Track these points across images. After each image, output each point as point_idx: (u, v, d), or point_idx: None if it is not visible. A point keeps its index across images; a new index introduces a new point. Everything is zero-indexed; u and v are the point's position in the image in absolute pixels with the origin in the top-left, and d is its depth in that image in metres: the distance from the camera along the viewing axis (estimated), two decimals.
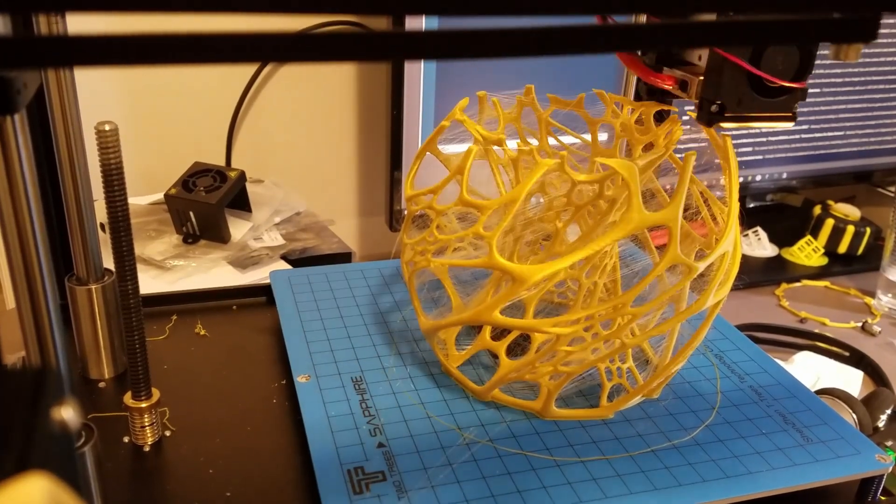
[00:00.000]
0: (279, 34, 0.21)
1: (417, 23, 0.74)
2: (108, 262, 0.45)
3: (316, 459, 0.41)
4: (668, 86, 0.44)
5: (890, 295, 0.86)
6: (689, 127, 0.49)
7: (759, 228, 0.98)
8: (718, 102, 0.40)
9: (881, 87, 0.99)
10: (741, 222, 0.46)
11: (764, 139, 0.96)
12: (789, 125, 0.42)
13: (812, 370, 0.71)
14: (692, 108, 0.49)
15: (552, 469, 0.42)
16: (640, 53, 0.46)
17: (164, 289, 0.66)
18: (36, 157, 0.41)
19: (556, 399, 0.45)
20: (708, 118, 0.41)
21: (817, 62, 0.95)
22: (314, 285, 0.60)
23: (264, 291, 0.62)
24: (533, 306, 0.45)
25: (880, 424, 0.61)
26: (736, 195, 0.45)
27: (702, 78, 0.42)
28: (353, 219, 0.98)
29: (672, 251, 0.41)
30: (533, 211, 0.47)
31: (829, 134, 1.00)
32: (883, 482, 0.44)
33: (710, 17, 0.27)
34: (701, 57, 0.42)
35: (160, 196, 0.78)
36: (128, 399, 0.44)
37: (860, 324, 0.83)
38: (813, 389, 0.53)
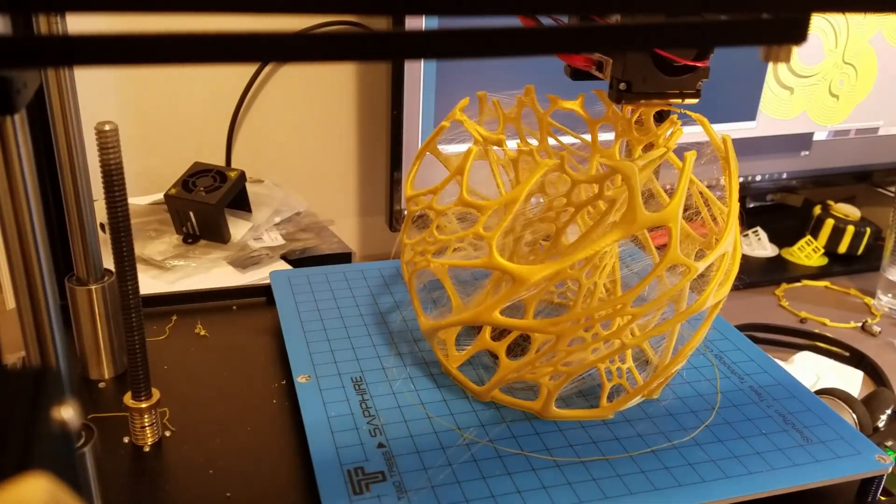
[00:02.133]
0: (279, 34, 0.21)
1: (417, 23, 0.74)
2: (108, 263, 0.45)
3: (316, 460, 0.41)
4: (586, 67, 0.45)
5: (890, 295, 0.86)
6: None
7: (759, 228, 0.98)
8: (626, 81, 0.42)
9: None
10: (741, 222, 0.46)
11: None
12: (694, 101, 0.44)
13: (812, 370, 0.71)
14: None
15: (552, 469, 0.42)
16: None
17: (163, 289, 0.66)
18: (36, 158, 0.41)
19: (555, 399, 0.45)
20: (616, 95, 0.43)
21: None
22: (314, 286, 0.60)
23: (264, 292, 0.62)
24: (533, 307, 0.45)
25: (880, 424, 0.61)
26: (736, 195, 0.45)
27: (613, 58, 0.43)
28: (353, 219, 0.98)
29: (672, 251, 0.41)
30: (533, 211, 0.47)
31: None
32: (883, 482, 0.44)
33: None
34: None
35: (160, 196, 0.78)
36: (128, 399, 0.44)
37: (860, 324, 0.83)
38: (813, 389, 0.53)
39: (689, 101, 0.44)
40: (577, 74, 0.46)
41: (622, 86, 0.42)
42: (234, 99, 0.87)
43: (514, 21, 0.22)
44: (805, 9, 0.24)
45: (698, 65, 0.42)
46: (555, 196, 0.48)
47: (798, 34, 0.25)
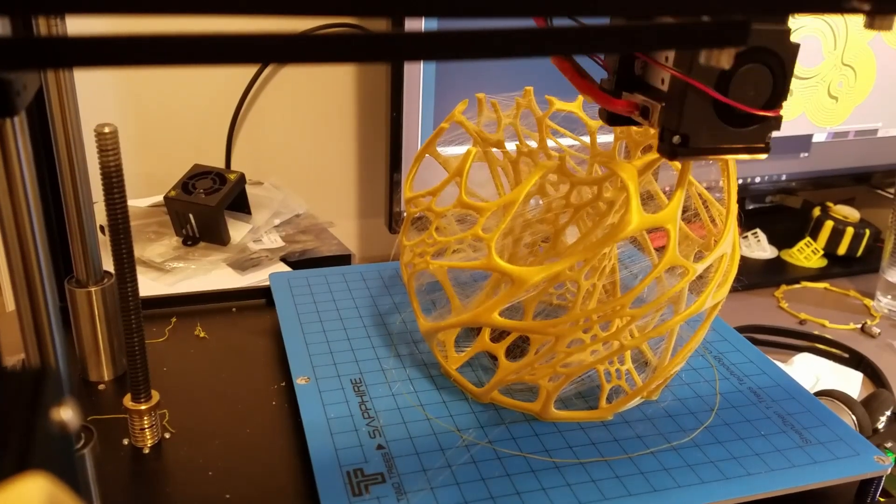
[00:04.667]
0: (278, 35, 0.21)
1: (417, 24, 0.74)
2: (108, 265, 0.45)
3: (315, 461, 0.41)
4: (627, 113, 0.39)
5: (889, 296, 0.86)
6: None
7: (758, 230, 0.99)
8: (681, 133, 0.35)
9: None
10: (740, 224, 0.46)
11: None
12: (762, 157, 0.37)
13: (811, 372, 0.71)
14: None
15: (551, 471, 0.42)
16: (600, 77, 0.41)
17: (163, 291, 0.66)
18: (36, 160, 0.41)
19: (555, 401, 0.46)
20: (670, 150, 0.36)
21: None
22: (313, 287, 0.60)
23: (264, 293, 0.62)
24: (532, 308, 0.45)
25: (879, 426, 0.62)
26: (734, 197, 0.45)
27: (664, 104, 0.36)
28: (353, 221, 0.98)
29: (671, 253, 0.41)
30: (532, 213, 0.47)
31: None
32: (882, 483, 0.44)
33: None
34: (664, 81, 0.36)
35: (160, 198, 0.78)
36: (127, 401, 0.44)
37: (859, 325, 0.83)
38: (812, 391, 0.53)
39: (757, 156, 0.37)
40: (615, 120, 0.39)
41: (676, 139, 0.35)
42: (234, 101, 0.87)
43: (508, 21, 0.22)
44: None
45: (769, 114, 0.36)
46: (554, 198, 0.48)
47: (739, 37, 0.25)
